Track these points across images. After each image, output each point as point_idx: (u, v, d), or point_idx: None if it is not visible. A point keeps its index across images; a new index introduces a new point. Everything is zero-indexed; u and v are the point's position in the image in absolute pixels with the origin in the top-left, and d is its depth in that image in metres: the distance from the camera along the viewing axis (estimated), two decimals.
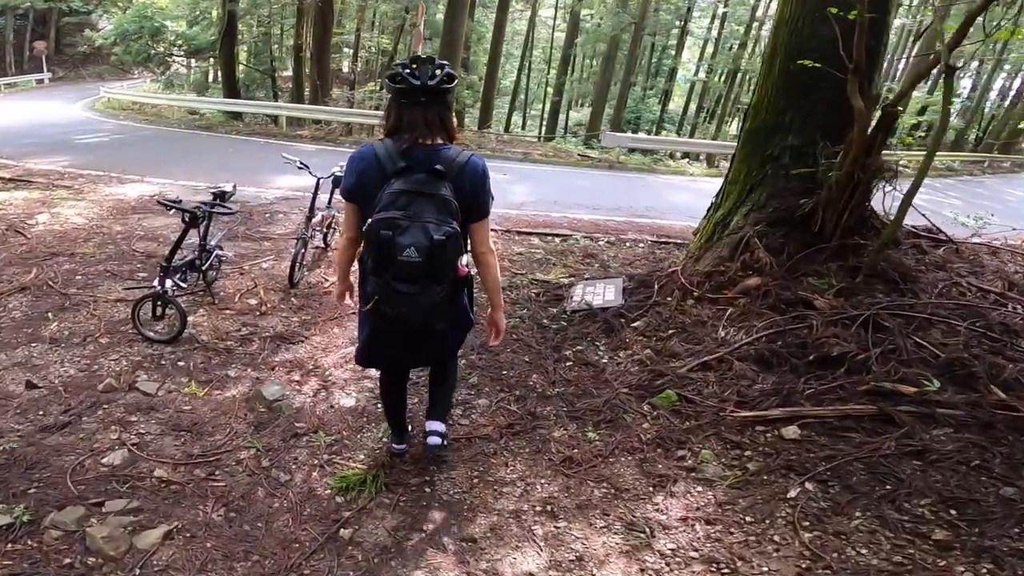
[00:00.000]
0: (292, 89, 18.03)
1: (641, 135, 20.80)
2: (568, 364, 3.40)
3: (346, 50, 23.32)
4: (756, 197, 3.70)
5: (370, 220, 1.69)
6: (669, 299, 3.80)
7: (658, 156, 14.23)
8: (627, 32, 19.64)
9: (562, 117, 26.98)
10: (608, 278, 4.53)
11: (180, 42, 20.25)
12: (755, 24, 24.76)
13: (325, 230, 5.07)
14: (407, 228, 1.64)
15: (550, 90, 26.67)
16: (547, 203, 7.85)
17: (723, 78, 27.82)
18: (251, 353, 3.44)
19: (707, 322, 3.46)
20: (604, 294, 4.13)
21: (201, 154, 10.18)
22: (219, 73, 18.69)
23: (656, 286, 4.04)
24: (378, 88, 19.86)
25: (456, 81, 1.79)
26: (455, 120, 1.89)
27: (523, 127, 28.01)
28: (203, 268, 3.79)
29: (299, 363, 3.36)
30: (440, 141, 1.77)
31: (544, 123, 26.36)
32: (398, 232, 1.64)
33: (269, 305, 4.08)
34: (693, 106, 29.72)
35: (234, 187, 3.89)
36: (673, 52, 28.97)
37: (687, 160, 15.04)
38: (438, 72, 1.71)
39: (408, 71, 1.70)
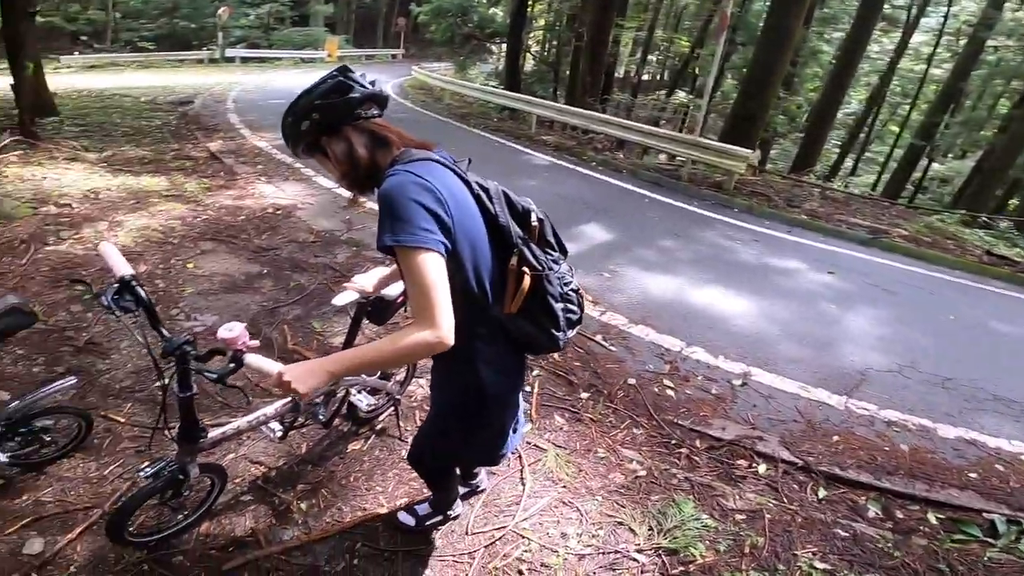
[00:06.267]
0: (568, 85, 15.51)
1: None
2: None
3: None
4: None
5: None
6: None
7: None
8: None
9: (912, 169, 19.01)
10: None
11: (481, 24, 19.46)
12: None
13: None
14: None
15: (905, 134, 19.02)
16: None
17: None
18: None
19: None
20: None
21: None
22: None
23: None
24: (663, 97, 16.23)
25: None
26: None
27: (853, 172, 20.76)
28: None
29: None
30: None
31: (885, 172, 19.18)
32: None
33: None
34: None
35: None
36: None
37: None
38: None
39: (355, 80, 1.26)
